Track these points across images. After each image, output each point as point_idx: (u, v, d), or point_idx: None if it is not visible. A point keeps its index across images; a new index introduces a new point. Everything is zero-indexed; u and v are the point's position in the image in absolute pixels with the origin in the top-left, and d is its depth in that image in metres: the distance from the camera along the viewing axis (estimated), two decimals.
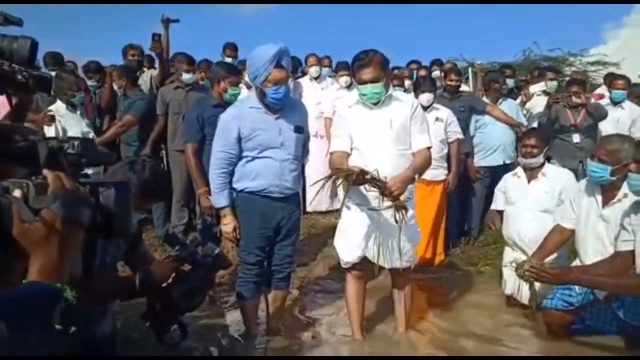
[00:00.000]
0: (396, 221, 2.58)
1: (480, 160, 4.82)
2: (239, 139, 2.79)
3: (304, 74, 5.89)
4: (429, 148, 2.81)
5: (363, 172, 2.46)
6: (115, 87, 4.83)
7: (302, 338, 3.23)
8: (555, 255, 3.10)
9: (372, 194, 2.64)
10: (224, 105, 3.32)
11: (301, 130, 2.95)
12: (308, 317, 3.57)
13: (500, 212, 3.72)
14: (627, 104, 5.23)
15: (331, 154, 2.87)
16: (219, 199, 2.88)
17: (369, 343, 3.09)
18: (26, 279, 0.76)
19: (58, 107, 4.19)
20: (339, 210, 3.04)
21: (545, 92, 5.48)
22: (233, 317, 3.44)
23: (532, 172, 3.51)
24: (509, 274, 3.37)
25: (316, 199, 5.08)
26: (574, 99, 4.80)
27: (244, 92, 4.54)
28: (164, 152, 4.92)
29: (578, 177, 3.69)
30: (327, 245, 4.47)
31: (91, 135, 4.35)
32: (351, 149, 2.82)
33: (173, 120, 4.58)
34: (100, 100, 5.09)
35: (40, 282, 0.73)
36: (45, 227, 0.75)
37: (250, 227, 2.89)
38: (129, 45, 5.26)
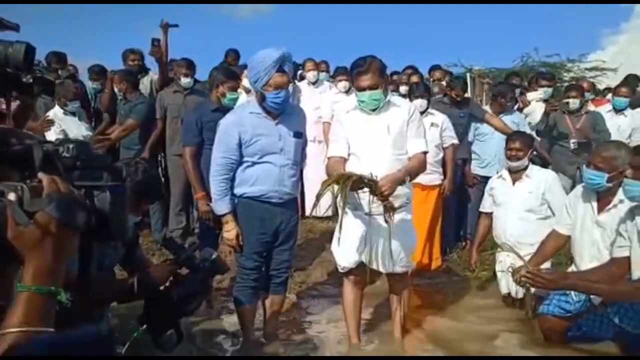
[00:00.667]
0: (386, 221, 2.58)
1: (477, 168, 4.83)
2: (240, 145, 2.80)
3: (302, 78, 5.91)
4: (424, 153, 2.81)
5: (359, 176, 2.47)
6: (116, 90, 4.85)
7: (299, 343, 3.23)
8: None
9: (367, 199, 2.64)
10: (223, 109, 3.33)
11: (300, 135, 2.96)
12: (305, 321, 3.57)
13: (490, 215, 3.85)
14: (629, 112, 5.25)
15: (328, 158, 2.88)
16: (221, 206, 2.87)
17: (365, 348, 3.08)
18: (20, 283, 0.76)
19: (56, 112, 4.22)
20: (336, 216, 3.05)
21: (543, 100, 5.49)
22: (230, 322, 3.44)
23: (516, 174, 3.66)
24: (502, 274, 3.52)
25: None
26: (570, 103, 4.83)
27: (243, 97, 4.55)
28: (161, 156, 4.92)
29: (576, 184, 3.73)
30: (324, 250, 4.47)
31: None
32: (348, 154, 2.83)
33: (171, 124, 4.58)
34: (100, 104, 5.11)
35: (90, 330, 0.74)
36: (40, 230, 0.75)
37: (249, 232, 2.89)
38: (129, 50, 5.27)
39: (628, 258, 2.52)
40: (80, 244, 0.83)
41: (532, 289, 2.84)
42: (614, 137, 4.72)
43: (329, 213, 4.93)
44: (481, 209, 4.00)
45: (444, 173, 4.46)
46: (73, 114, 4.29)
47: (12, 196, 0.74)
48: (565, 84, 7.73)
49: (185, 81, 4.57)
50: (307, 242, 4.81)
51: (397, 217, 2.83)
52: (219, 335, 3.32)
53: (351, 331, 3.05)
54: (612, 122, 5.02)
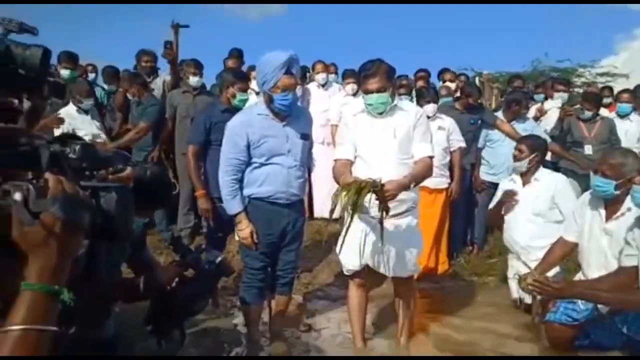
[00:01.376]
0: (380, 222, 2.59)
1: (485, 174, 4.79)
2: (248, 146, 2.81)
3: (311, 81, 5.92)
4: (431, 157, 2.80)
5: (372, 182, 2.45)
6: (129, 95, 4.89)
7: (304, 344, 3.23)
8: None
9: (373, 202, 2.63)
10: (233, 110, 3.35)
11: (307, 137, 2.98)
12: (311, 323, 3.57)
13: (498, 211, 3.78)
14: (635, 117, 5.24)
15: (335, 161, 2.88)
16: (233, 205, 2.88)
17: (370, 351, 3.08)
18: (25, 282, 0.77)
19: (69, 109, 4.27)
20: (343, 218, 3.05)
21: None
22: (236, 322, 3.46)
23: (526, 177, 3.63)
24: (512, 278, 3.50)
25: (325, 206, 5.12)
26: (585, 112, 4.83)
27: (252, 98, 4.57)
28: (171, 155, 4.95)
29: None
30: (331, 252, 4.46)
31: (102, 137, 4.42)
32: (355, 157, 2.83)
33: (181, 124, 4.62)
34: (113, 103, 5.17)
35: None
36: (45, 230, 0.76)
37: (256, 233, 2.90)
38: (142, 51, 5.32)
39: (636, 267, 2.49)
40: (86, 244, 0.84)
41: (539, 297, 2.82)
42: (622, 144, 4.71)
43: (337, 216, 4.94)
44: (490, 206, 3.94)
45: (451, 177, 4.44)
46: (86, 112, 4.35)
47: (17, 196, 0.75)
48: (577, 89, 7.67)
49: (193, 80, 4.60)
50: (314, 243, 4.81)
51: (403, 220, 2.83)
52: (225, 335, 3.34)
53: (356, 334, 3.05)
54: (619, 127, 5.01)
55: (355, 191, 2.42)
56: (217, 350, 3.14)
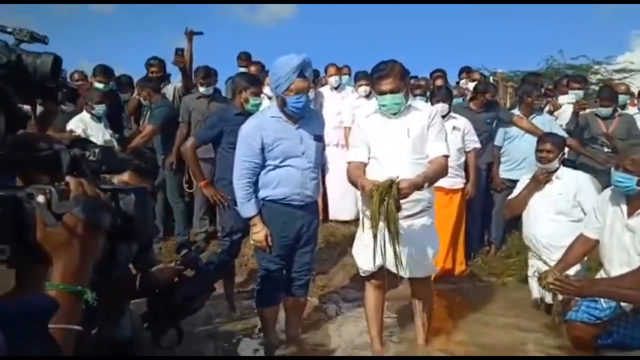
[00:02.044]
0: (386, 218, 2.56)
1: (504, 172, 4.74)
2: (262, 149, 2.83)
3: (322, 85, 5.93)
4: (445, 157, 2.78)
5: (391, 182, 2.44)
6: (141, 100, 4.96)
7: (320, 346, 3.23)
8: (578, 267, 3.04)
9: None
10: (246, 115, 3.37)
11: (320, 139, 2.99)
12: (327, 325, 3.56)
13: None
14: None
15: (348, 164, 2.88)
16: (247, 209, 2.90)
17: (387, 353, 3.06)
18: (49, 282, 0.79)
19: (83, 116, 4.36)
20: (358, 219, 3.04)
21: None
22: (252, 324, 3.47)
23: (547, 176, 3.56)
24: (533, 278, 3.42)
25: (339, 208, 5.13)
26: (603, 112, 4.75)
27: (265, 102, 4.59)
28: None
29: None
30: (346, 254, 4.46)
31: (113, 143, 4.49)
32: (369, 158, 2.83)
33: (195, 128, 4.64)
34: (128, 110, 5.24)
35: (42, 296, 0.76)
36: (67, 231, 0.78)
37: (271, 235, 2.91)
38: (152, 58, 5.39)
39: None
40: (105, 244, 0.86)
41: (560, 296, 2.77)
42: None
43: (353, 218, 4.94)
44: (509, 197, 3.90)
45: (467, 177, 4.40)
46: (99, 118, 4.42)
47: (41, 198, 0.77)
48: (592, 86, 7.55)
49: (202, 90, 4.66)
50: (328, 245, 4.81)
51: (419, 220, 2.81)
52: (241, 337, 3.35)
53: (373, 335, 3.03)
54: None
55: (379, 197, 2.41)
56: (232, 353, 3.15)
